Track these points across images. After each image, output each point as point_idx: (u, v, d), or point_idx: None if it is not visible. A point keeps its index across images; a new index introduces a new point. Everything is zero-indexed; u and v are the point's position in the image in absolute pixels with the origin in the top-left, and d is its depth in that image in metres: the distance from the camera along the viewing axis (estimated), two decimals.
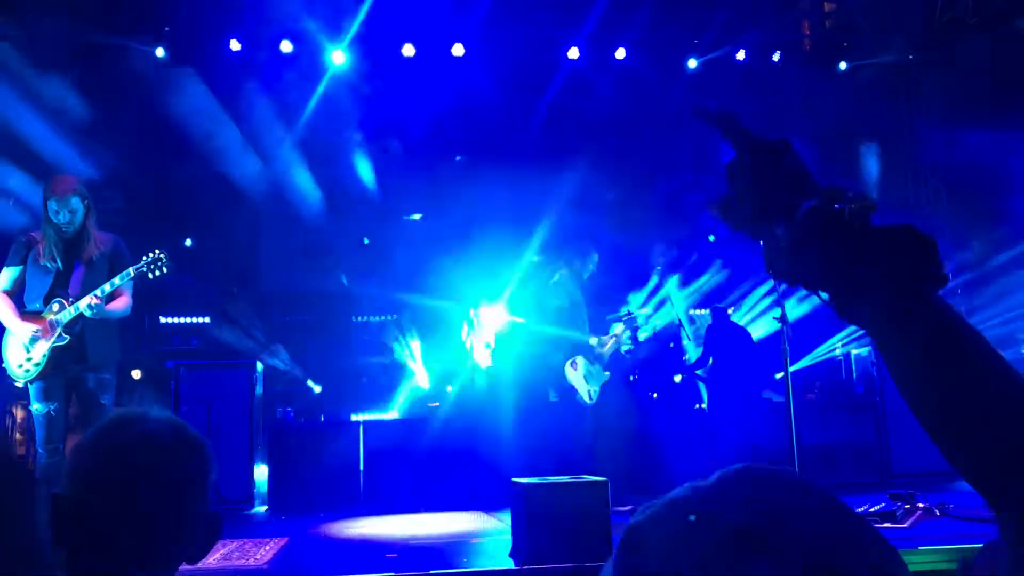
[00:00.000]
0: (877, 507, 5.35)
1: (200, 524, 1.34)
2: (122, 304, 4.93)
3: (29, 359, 4.75)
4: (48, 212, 4.81)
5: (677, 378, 8.75)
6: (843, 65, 10.33)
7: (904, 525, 5.06)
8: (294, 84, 9.55)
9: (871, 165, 10.22)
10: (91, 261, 4.88)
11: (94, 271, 4.88)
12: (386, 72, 9.66)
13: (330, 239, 10.25)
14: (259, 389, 6.98)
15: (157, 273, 4.96)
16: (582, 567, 4.04)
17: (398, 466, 7.04)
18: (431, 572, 4.13)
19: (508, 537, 4.73)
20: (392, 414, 8.41)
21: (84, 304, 4.73)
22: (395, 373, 9.00)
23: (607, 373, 6.58)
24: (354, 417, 8.10)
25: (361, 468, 7.00)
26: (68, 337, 4.77)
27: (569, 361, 6.40)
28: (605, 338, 6.68)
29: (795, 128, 9.03)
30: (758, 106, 9.42)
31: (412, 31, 9.52)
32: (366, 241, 10.18)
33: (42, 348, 4.74)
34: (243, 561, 4.63)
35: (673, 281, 8.52)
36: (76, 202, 4.82)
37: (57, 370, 4.78)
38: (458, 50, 9.63)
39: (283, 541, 5.36)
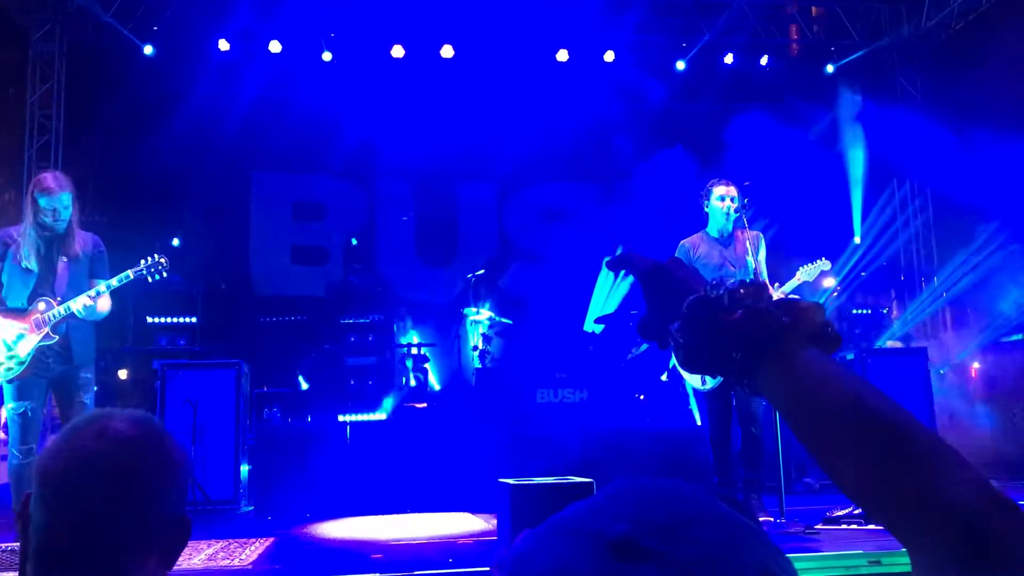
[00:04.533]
0: None
1: (165, 527, 1.27)
2: (107, 304, 4.92)
3: (12, 356, 4.68)
4: (36, 210, 4.73)
5: (663, 377, 8.74)
6: (830, 68, 10.42)
7: None
8: (282, 83, 9.54)
9: (856, 168, 10.27)
10: (76, 260, 4.85)
11: (78, 270, 4.84)
12: (373, 72, 9.66)
13: (319, 239, 10.24)
14: (245, 389, 6.95)
15: (156, 277, 4.94)
16: None
17: (385, 467, 7.02)
18: (416, 573, 4.13)
19: (495, 538, 4.74)
20: (379, 415, 8.39)
21: (80, 304, 4.69)
22: (382, 374, 8.98)
23: None
24: (341, 418, 8.08)
25: (347, 469, 6.98)
26: (55, 336, 4.73)
27: None
28: None
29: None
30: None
31: (400, 32, 9.52)
32: (354, 242, 10.16)
33: (27, 346, 4.70)
34: (228, 561, 4.61)
35: None
36: (68, 199, 4.76)
37: (40, 369, 4.74)
38: (447, 52, 9.63)
39: (269, 541, 5.35)
